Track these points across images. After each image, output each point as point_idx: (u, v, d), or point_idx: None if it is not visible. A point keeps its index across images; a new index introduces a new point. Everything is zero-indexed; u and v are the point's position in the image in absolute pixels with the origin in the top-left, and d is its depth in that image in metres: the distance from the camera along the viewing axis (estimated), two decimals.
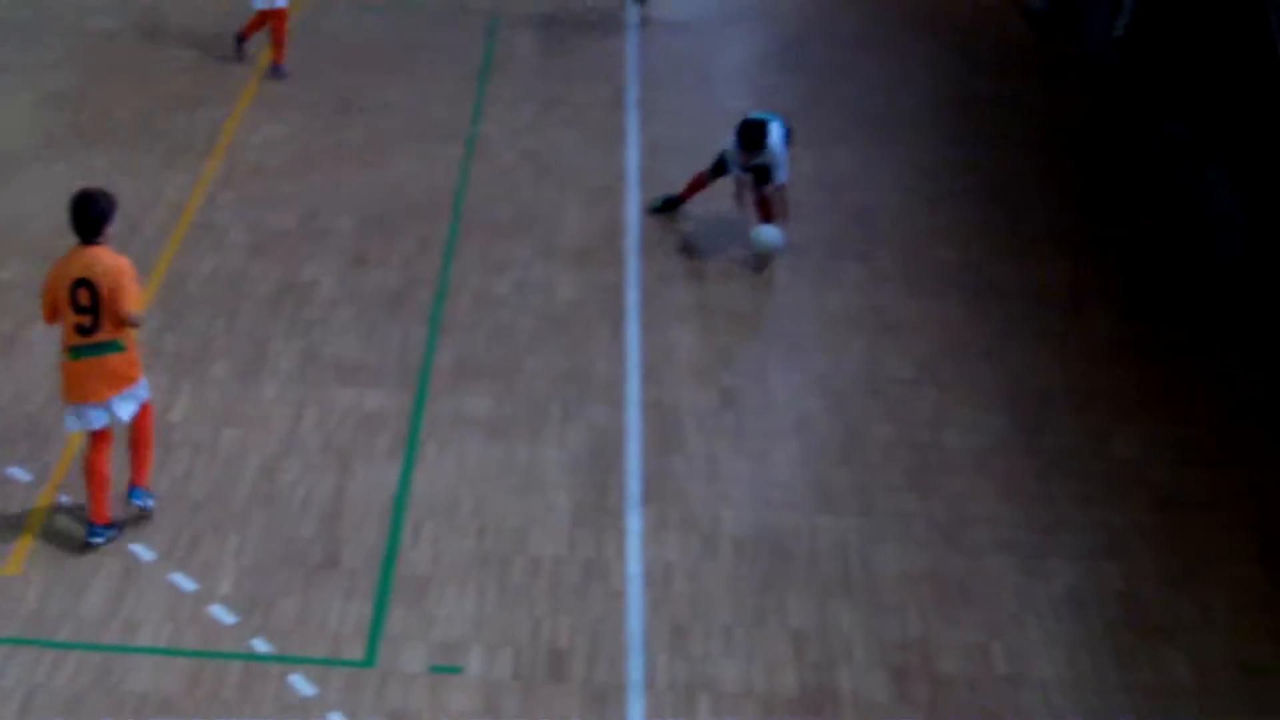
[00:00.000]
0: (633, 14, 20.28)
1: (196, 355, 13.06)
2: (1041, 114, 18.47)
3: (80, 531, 11.03)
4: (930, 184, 16.60)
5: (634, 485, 11.95)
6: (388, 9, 18.91)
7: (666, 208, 15.44)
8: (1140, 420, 13.11)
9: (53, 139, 16.35)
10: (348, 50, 17.74)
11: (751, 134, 14.47)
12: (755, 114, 14.93)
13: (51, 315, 10.64)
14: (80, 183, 11.22)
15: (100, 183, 11.24)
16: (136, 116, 16.86)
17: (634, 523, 11.57)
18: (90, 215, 10.47)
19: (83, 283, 10.37)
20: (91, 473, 10.83)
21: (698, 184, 15.20)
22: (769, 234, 14.70)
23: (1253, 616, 11.15)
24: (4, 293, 13.68)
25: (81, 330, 10.45)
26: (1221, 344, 14.20)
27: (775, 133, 14.58)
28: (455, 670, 10.23)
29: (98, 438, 10.78)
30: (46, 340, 12.29)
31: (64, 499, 11.38)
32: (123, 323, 10.47)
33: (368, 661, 10.23)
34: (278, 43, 17.74)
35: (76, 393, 10.63)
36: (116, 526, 11.04)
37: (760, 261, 14.73)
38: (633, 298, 14.25)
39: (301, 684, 10.02)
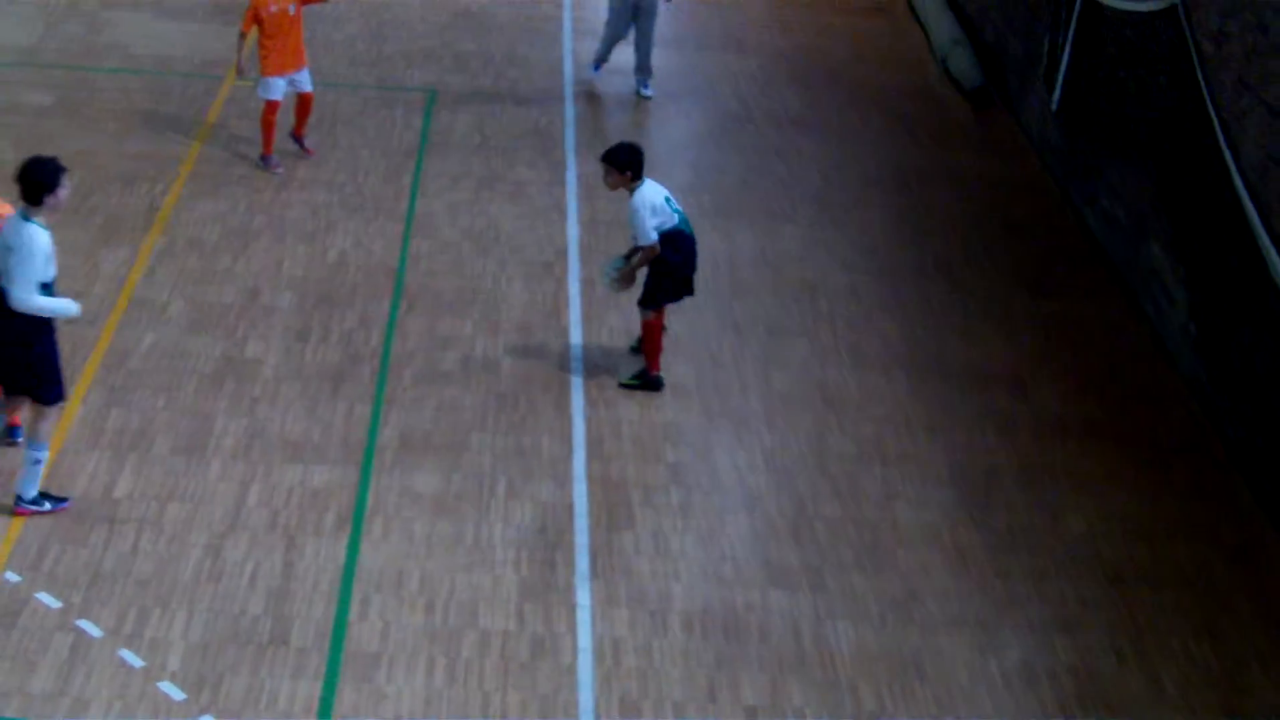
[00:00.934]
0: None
1: (140, 430, 12.89)
2: (981, 190, 18.64)
3: (30, 607, 10.86)
4: (873, 261, 16.67)
5: (583, 561, 11.88)
6: (325, 86, 18.86)
7: (645, 387, 14.25)
8: (1090, 495, 13.17)
9: None
10: (286, 127, 17.66)
11: None
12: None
13: None
14: None
15: None
16: (73, 192, 16.59)
17: (584, 598, 11.49)
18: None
19: None
20: None
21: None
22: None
23: (1202, 692, 11.19)
24: None
25: None
26: (1166, 419, 14.31)
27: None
28: None
29: None
30: None
31: (10, 577, 11.17)
32: None
33: None
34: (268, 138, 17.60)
35: None
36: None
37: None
38: (577, 372, 14.20)
39: None
